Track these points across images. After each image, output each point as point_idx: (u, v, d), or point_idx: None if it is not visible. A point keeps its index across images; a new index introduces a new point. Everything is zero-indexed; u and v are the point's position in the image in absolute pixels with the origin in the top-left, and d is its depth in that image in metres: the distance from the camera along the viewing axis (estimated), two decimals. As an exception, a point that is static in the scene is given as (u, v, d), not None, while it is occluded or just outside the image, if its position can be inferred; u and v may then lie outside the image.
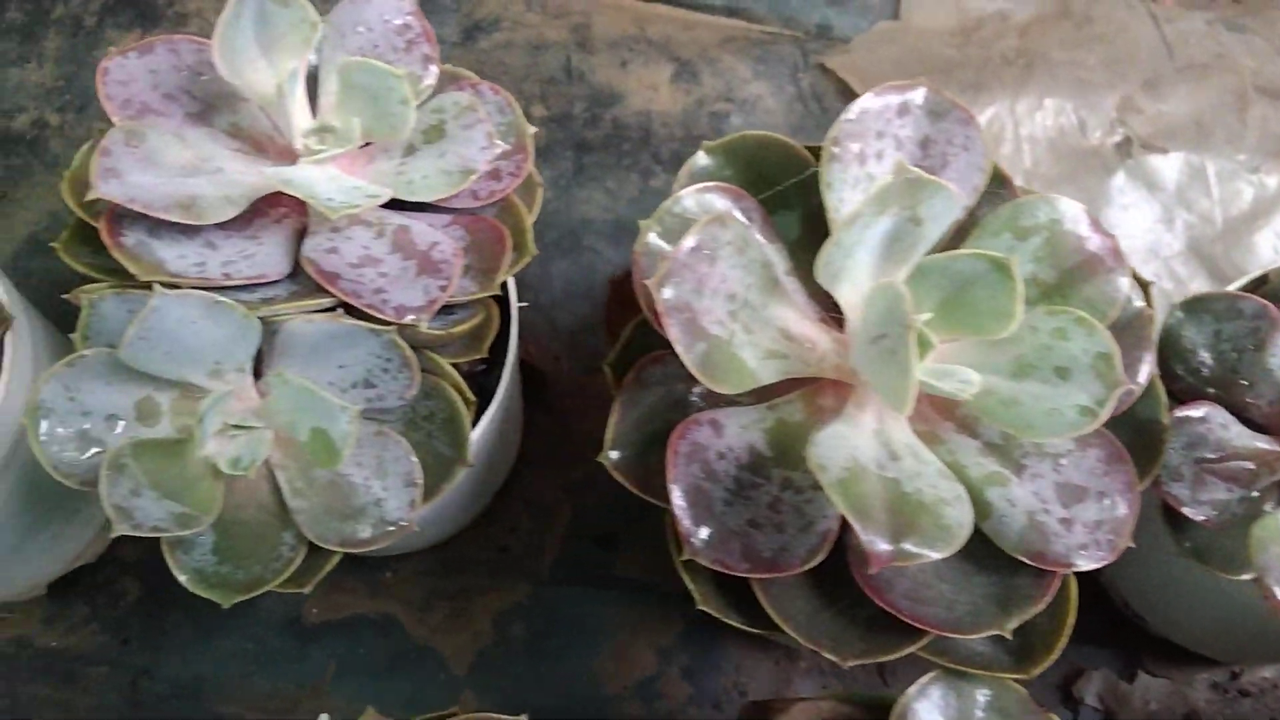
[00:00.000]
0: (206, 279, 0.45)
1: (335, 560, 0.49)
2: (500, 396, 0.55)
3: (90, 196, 0.44)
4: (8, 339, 0.55)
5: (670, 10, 0.82)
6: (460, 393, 0.51)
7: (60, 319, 0.61)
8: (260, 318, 0.45)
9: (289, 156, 0.53)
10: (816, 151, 0.54)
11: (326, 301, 0.47)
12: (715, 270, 0.44)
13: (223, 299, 0.43)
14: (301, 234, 0.51)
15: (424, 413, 0.51)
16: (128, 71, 0.51)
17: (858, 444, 0.44)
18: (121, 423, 0.48)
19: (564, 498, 0.71)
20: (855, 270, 0.46)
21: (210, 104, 0.53)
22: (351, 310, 0.47)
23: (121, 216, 0.47)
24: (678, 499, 0.45)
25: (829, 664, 0.67)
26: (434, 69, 0.54)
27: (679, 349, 0.43)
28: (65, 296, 0.50)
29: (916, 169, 0.42)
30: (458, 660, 0.67)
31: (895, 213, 0.44)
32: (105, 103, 0.50)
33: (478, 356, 0.53)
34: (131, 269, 0.45)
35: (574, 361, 0.73)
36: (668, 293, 0.43)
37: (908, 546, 0.41)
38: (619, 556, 0.69)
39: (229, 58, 0.47)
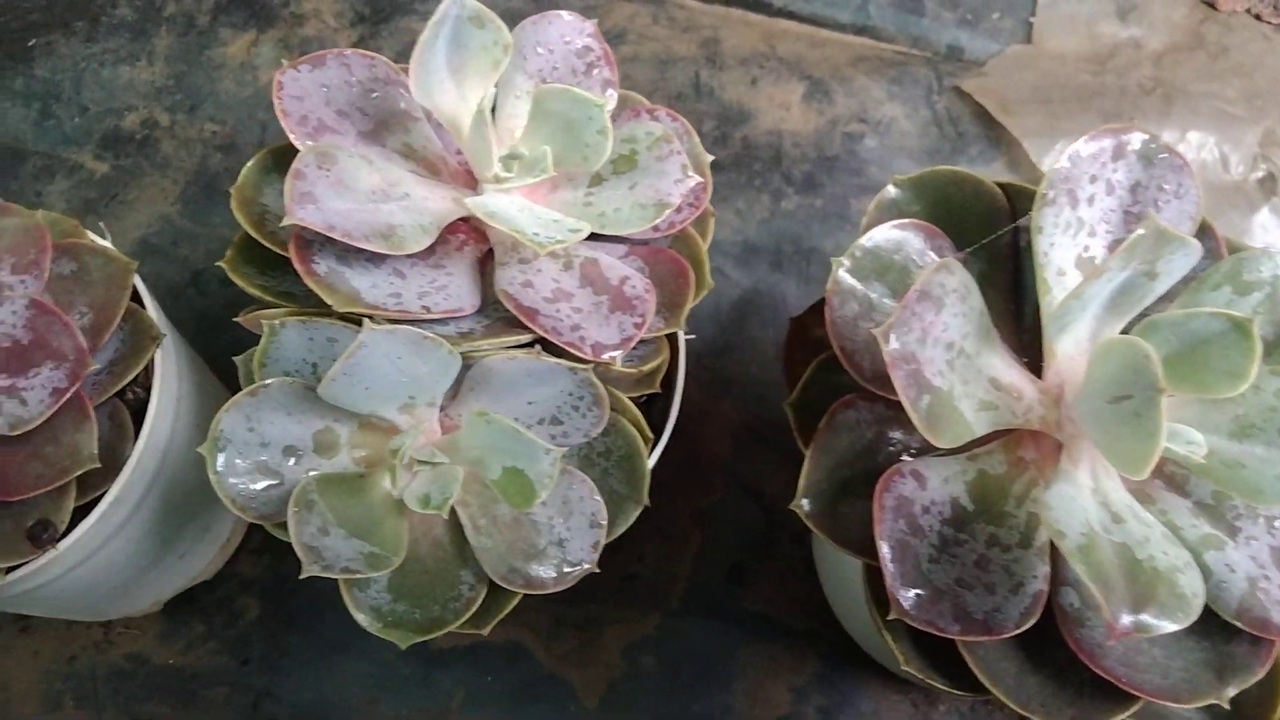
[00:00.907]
0: (406, 312, 0.43)
1: (515, 601, 0.47)
2: (669, 431, 0.53)
3: (287, 222, 0.43)
4: (157, 355, 0.54)
5: (798, 27, 0.80)
6: (639, 429, 0.49)
7: (178, 326, 0.60)
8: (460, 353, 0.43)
9: (465, 181, 0.51)
10: (1005, 188, 0.52)
11: (525, 337, 0.45)
12: (939, 319, 0.43)
13: (430, 335, 0.42)
14: (481, 262, 0.50)
15: (600, 449, 0.49)
16: (301, 86, 0.49)
17: (1083, 505, 0.43)
18: (300, 455, 0.46)
19: (692, 526, 0.69)
20: (1078, 322, 0.44)
21: (382, 122, 0.51)
22: (546, 346, 0.45)
23: (310, 241, 0.45)
24: (886, 556, 0.44)
25: (968, 706, 0.66)
26: (613, 94, 0.52)
27: (905, 402, 0.41)
28: (238, 320, 0.49)
29: (1165, 223, 0.40)
30: (588, 691, 0.65)
31: (1134, 266, 0.42)
32: (282, 118, 0.48)
33: (651, 390, 0.52)
34: (327, 299, 0.43)
35: (700, 386, 0.72)
36: (894, 343, 0.41)
37: (1147, 618, 0.39)
38: (749, 589, 0.67)
39: (423, 79, 0.46)
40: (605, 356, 0.45)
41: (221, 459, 0.44)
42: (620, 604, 0.67)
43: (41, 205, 0.77)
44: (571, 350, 0.45)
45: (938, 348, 0.43)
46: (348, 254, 0.45)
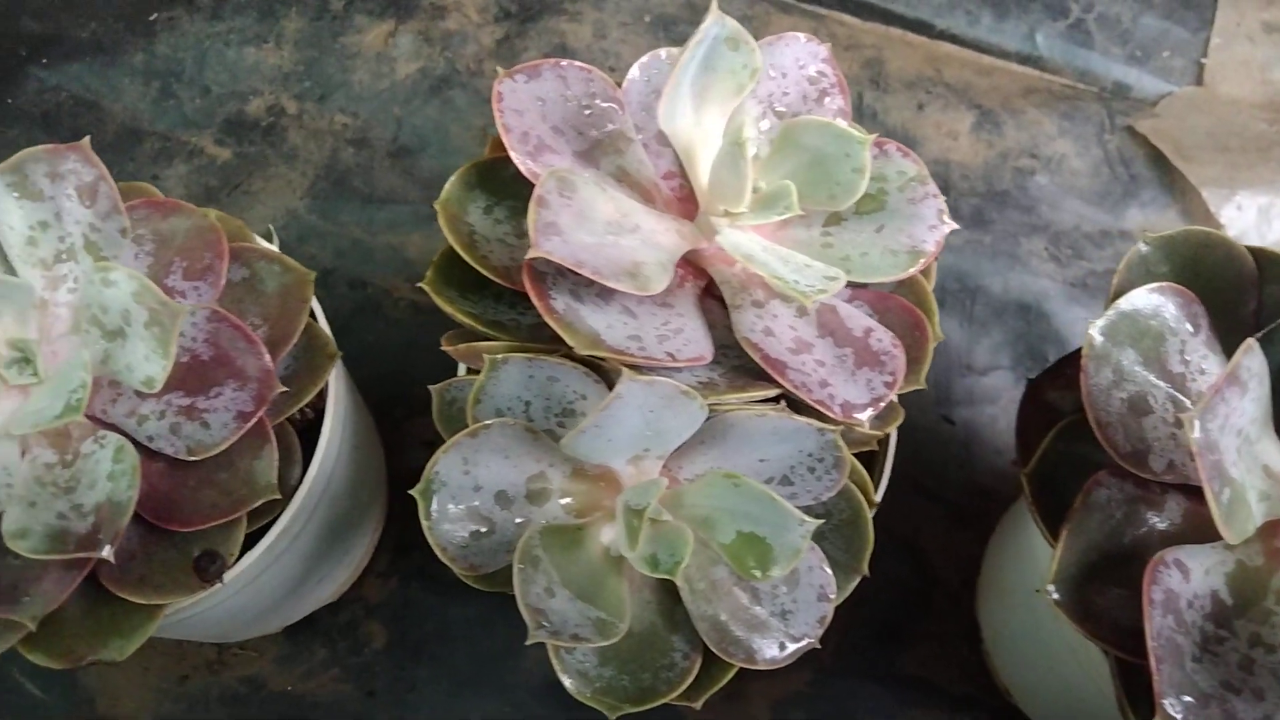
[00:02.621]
0: (650, 359, 0.40)
1: (730, 675, 0.44)
2: (884, 488, 0.49)
3: (533, 255, 0.39)
4: (331, 376, 0.50)
5: (963, 52, 0.76)
6: (865, 493, 0.45)
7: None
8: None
9: (680, 211, 0.47)
10: (1254, 254, 0.49)
11: (770, 391, 0.41)
12: (1241, 405, 0.39)
13: (687, 389, 0.38)
14: (700, 299, 0.46)
15: (819, 510, 0.45)
16: (519, 99, 0.45)
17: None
18: (511, 502, 0.42)
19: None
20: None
21: (596, 142, 0.47)
22: (789, 402, 0.42)
23: (544, 274, 0.41)
24: (1156, 657, 0.40)
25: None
26: (844, 125, 0.48)
27: (1209, 495, 0.38)
28: (447, 349, 0.45)
29: None
30: (731, 748, 0.61)
31: None
32: (504, 133, 0.44)
33: (869, 449, 0.48)
34: (568, 339, 0.39)
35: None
36: (1199, 431, 0.37)
37: None
38: (904, 650, 0.64)
39: (673, 104, 0.42)
40: (855, 417, 0.41)
41: (437, 501, 0.41)
42: (767, 656, 0.63)
43: (160, 190, 0.73)
44: (820, 409, 0.41)
45: (1231, 435, 0.40)
46: (579, 288, 0.42)
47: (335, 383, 0.51)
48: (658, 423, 0.39)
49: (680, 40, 0.75)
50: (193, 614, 0.49)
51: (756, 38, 0.43)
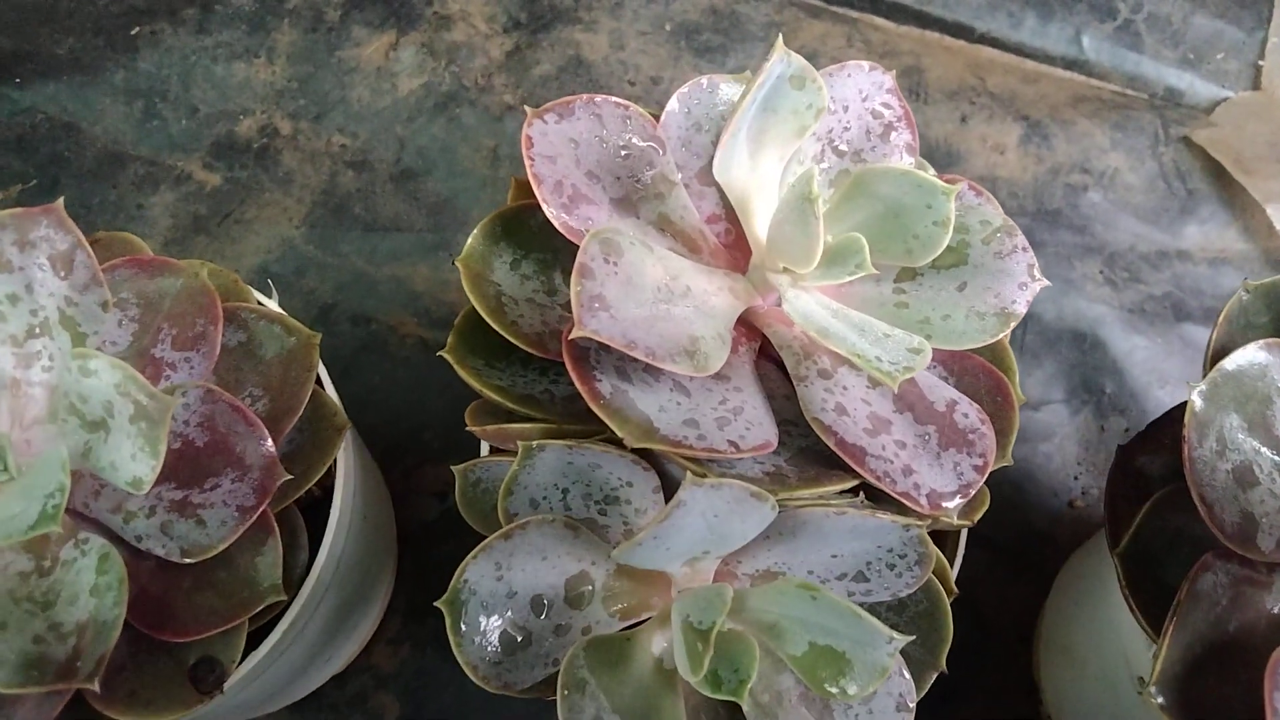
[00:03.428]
0: (712, 450, 0.35)
1: (796, 794, 0.39)
2: (959, 568, 0.45)
3: (578, 334, 0.34)
4: (340, 449, 0.45)
5: (1005, 57, 0.71)
6: (944, 583, 0.40)
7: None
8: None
9: (728, 262, 0.42)
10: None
11: (849, 484, 0.36)
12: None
13: (758, 490, 0.33)
14: (757, 365, 0.41)
15: (892, 604, 0.41)
16: (551, 143, 0.40)
17: None
18: (549, 607, 0.37)
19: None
20: None
21: (635, 187, 0.42)
22: (867, 490, 0.37)
23: (586, 350, 0.36)
24: (1286, 774, 0.35)
25: None
26: (911, 162, 0.43)
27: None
28: (473, 430, 0.40)
29: None
30: (776, 826, 0.57)
31: None
32: (536, 185, 0.39)
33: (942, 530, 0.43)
34: (618, 430, 0.34)
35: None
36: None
37: None
38: (959, 708, 0.59)
39: (729, 153, 0.37)
40: (944, 507, 0.36)
41: (466, 614, 0.36)
42: None
43: (143, 219, 0.68)
44: (904, 502, 0.36)
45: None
46: (625, 363, 0.37)
47: (344, 455, 0.45)
48: (722, 528, 0.34)
49: (705, 51, 0.70)
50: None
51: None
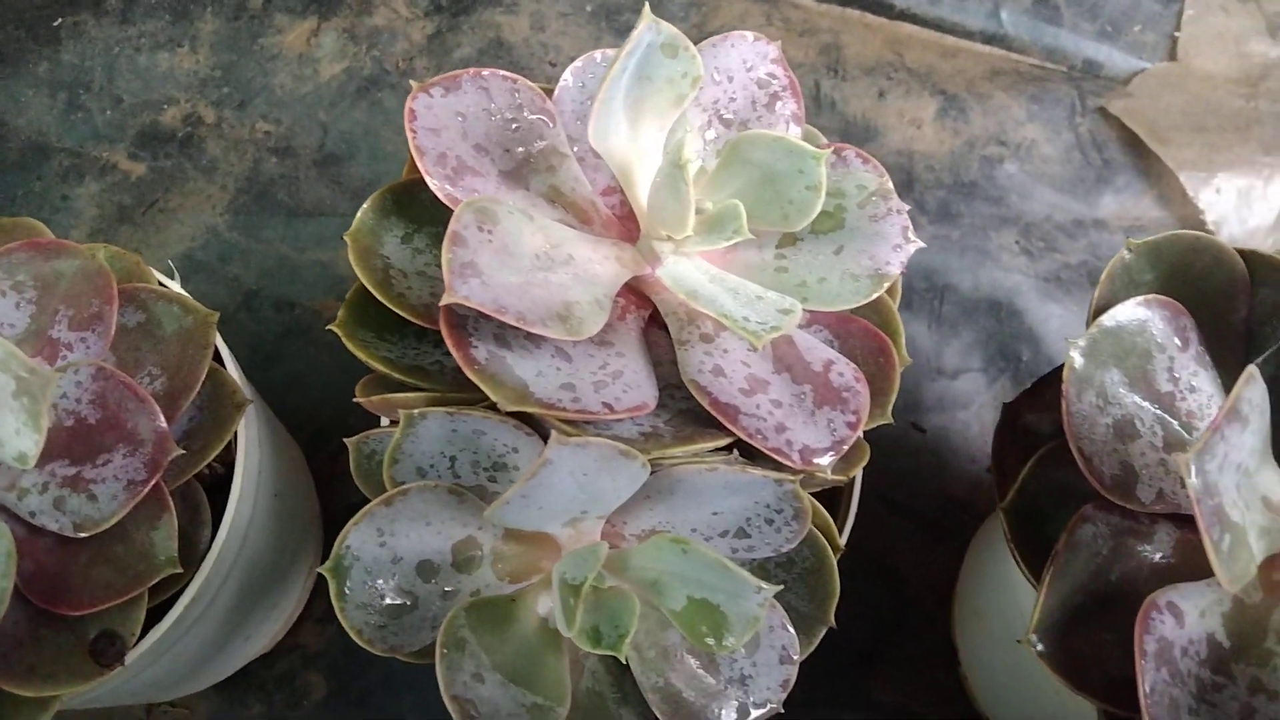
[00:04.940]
0: (586, 412, 0.35)
1: (685, 748, 0.40)
2: (850, 529, 0.46)
3: (448, 300, 0.34)
4: (240, 426, 0.45)
5: (925, 33, 0.72)
6: (830, 539, 0.41)
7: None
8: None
9: (620, 233, 0.43)
10: (1245, 256, 0.45)
11: (721, 441, 0.37)
12: (1241, 439, 0.35)
13: (625, 448, 0.34)
14: (644, 332, 0.41)
15: (780, 559, 0.42)
16: (436, 116, 0.41)
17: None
18: (436, 572, 0.38)
19: (812, 602, 0.61)
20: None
21: (525, 160, 0.42)
22: (743, 448, 0.38)
23: (464, 318, 0.37)
24: (1151, 716, 0.36)
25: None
26: (798, 132, 0.44)
27: (1209, 544, 0.34)
28: (359, 400, 0.40)
29: None
30: (699, 792, 0.57)
31: None
32: (418, 156, 0.40)
33: (834, 485, 0.44)
34: (493, 395, 0.35)
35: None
36: (1196, 476, 0.33)
37: None
38: (879, 676, 0.60)
39: (604, 121, 0.37)
40: (816, 463, 0.37)
41: (350, 580, 0.36)
42: (735, 690, 0.60)
43: (68, 210, 0.68)
44: (776, 457, 0.37)
45: (1229, 472, 0.36)
46: (505, 330, 0.37)
47: (246, 431, 0.46)
48: (593, 486, 0.35)
49: (626, 31, 0.70)
50: (99, 693, 0.44)
51: (705, 25, 0.39)
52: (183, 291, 0.46)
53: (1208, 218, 0.67)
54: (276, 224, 0.67)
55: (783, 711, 0.40)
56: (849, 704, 0.59)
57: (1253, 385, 0.35)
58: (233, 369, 0.46)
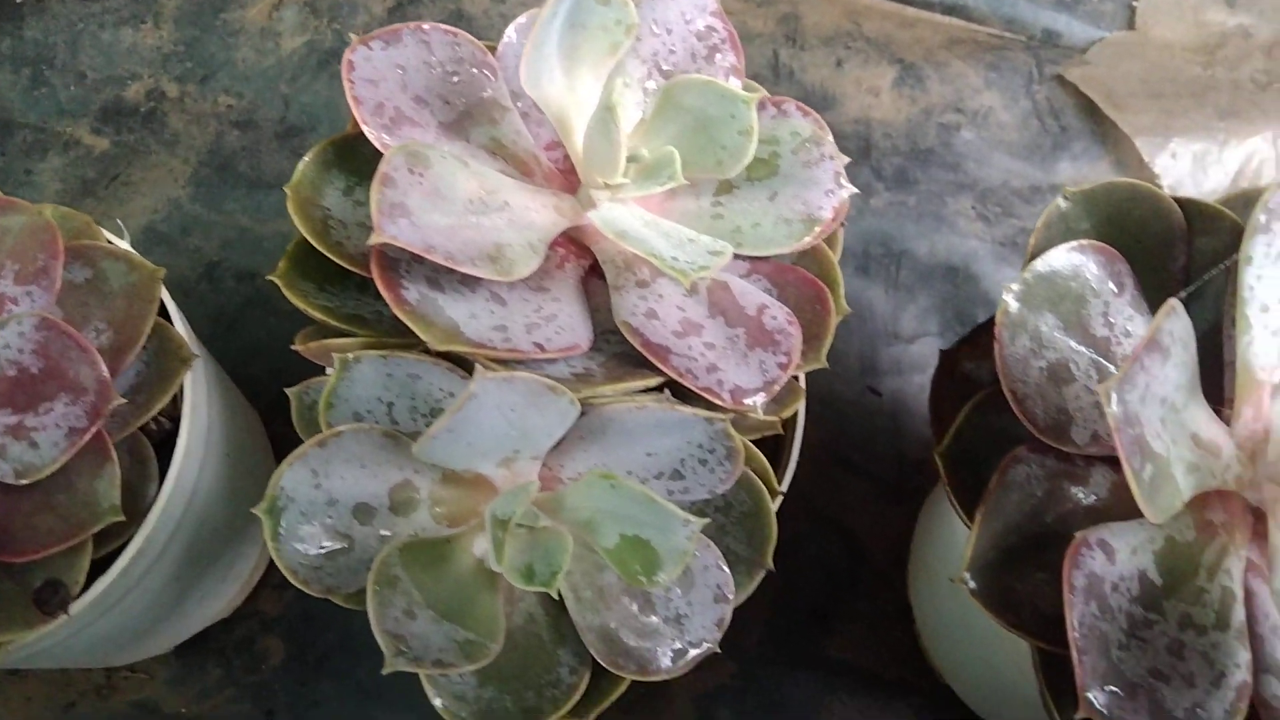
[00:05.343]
0: (516, 351, 0.36)
1: (622, 688, 0.40)
2: (790, 479, 0.46)
3: (376, 240, 0.35)
4: (186, 380, 0.46)
5: (884, 4, 0.72)
6: (766, 482, 0.42)
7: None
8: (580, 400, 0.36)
9: (562, 184, 0.43)
10: (1182, 205, 0.46)
11: (652, 380, 0.37)
12: (1163, 372, 0.36)
13: (551, 383, 0.34)
14: (584, 281, 0.42)
15: (718, 503, 0.42)
16: (374, 67, 0.41)
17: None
18: (373, 515, 0.38)
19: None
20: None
21: (466, 112, 0.43)
22: (674, 388, 0.38)
23: (396, 260, 0.37)
24: (1078, 647, 0.37)
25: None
26: (737, 84, 0.44)
27: (1129, 473, 0.34)
28: (297, 348, 0.41)
29: None
30: (656, 750, 0.58)
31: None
32: (355, 106, 0.40)
33: (772, 433, 0.44)
34: (422, 334, 0.35)
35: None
36: (1117, 405, 0.34)
37: None
38: (834, 634, 0.61)
39: (535, 65, 0.38)
40: (746, 403, 0.38)
41: (285, 521, 0.37)
42: (692, 651, 0.60)
43: (32, 185, 0.68)
44: (707, 396, 0.37)
45: (1154, 404, 0.36)
46: (439, 275, 0.38)
47: (194, 388, 0.46)
48: (522, 422, 0.35)
49: (584, 2, 0.71)
50: (51, 645, 0.44)
51: None
52: (130, 249, 0.47)
53: (1164, 182, 0.67)
54: (238, 196, 0.68)
55: (719, 651, 0.40)
56: (805, 663, 0.60)
57: (1173, 318, 0.35)
58: (180, 326, 0.47)
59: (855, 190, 0.41)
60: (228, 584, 0.56)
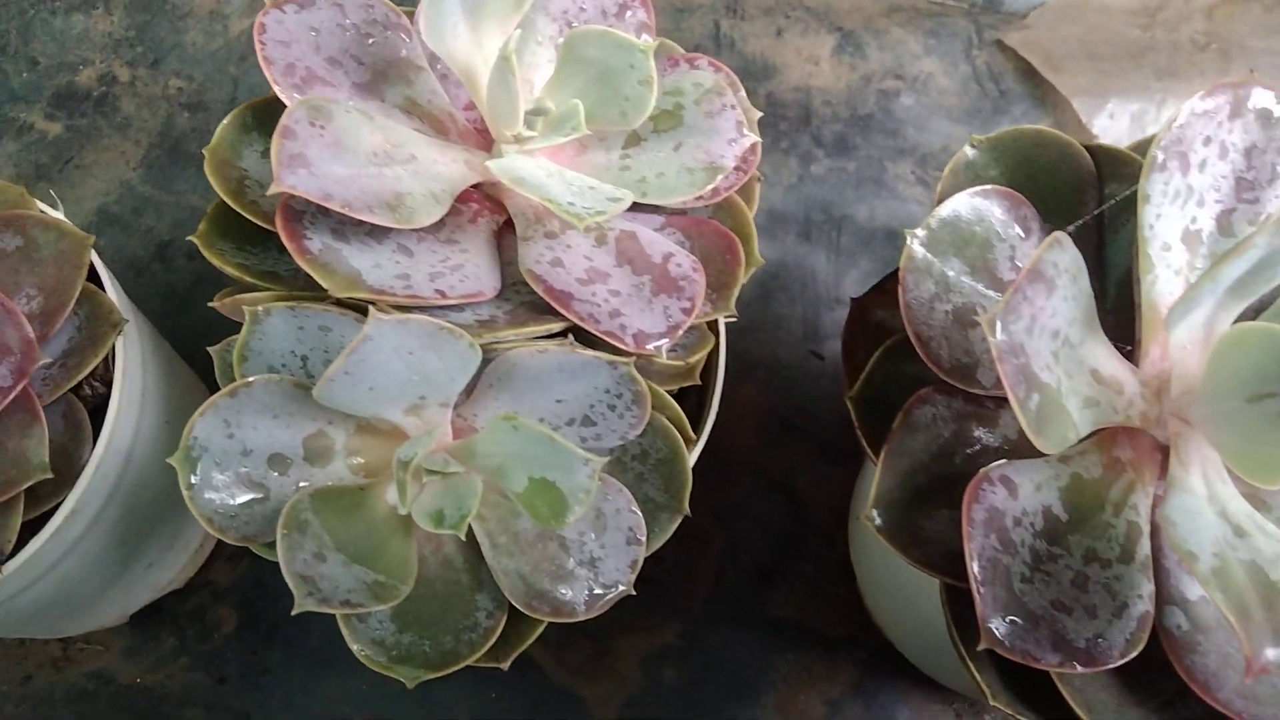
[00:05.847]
0: (417, 297, 0.37)
1: (539, 631, 0.41)
2: (710, 426, 0.47)
3: (274, 190, 0.36)
4: (118, 345, 0.47)
5: (824, -26, 0.73)
6: (680, 429, 0.43)
7: (141, 305, 0.53)
8: (482, 345, 0.36)
9: (478, 142, 0.44)
10: (1091, 151, 0.46)
11: (555, 326, 0.38)
12: (1049, 304, 0.36)
13: (447, 325, 0.35)
14: (498, 236, 0.43)
15: (635, 450, 0.43)
16: (287, 30, 0.42)
17: (1209, 520, 0.37)
18: (288, 465, 0.39)
19: (715, 525, 0.63)
20: (1199, 308, 0.38)
21: (380, 73, 0.44)
22: (580, 335, 0.39)
23: (300, 213, 0.38)
24: (977, 579, 0.38)
25: (1012, 715, 0.60)
26: (649, 40, 0.45)
27: (1014, 402, 0.35)
28: (213, 305, 0.42)
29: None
30: (602, 707, 0.59)
31: (1265, 245, 0.36)
32: (265, 66, 0.41)
33: (690, 383, 0.45)
34: (323, 282, 0.36)
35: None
36: (1003, 333, 0.35)
37: (1292, 654, 0.33)
38: (779, 593, 0.61)
39: (435, 21, 0.38)
40: (649, 347, 0.38)
41: (199, 469, 0.38)
42: (637, 610, 0.61)
43: (-14, 170, 0.69)
44: (610, 340, 0.38)
45: (1044, 337, 0.37)
46: (345, 227, 0.38)
47: (127, 352, 0.47)
48: (421, 365, 0.36)
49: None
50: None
51: None
52: (62, 218, 0.48)
53: (1102, 142, 0.68)
54: (189, 176, 0.69)
55: (634, 593, 0.41)
56: (748, 621, 0.60)
57: (1057, 249, 0.36)
58: (113, 292, 0.48)
59: (756, 139, 0.42)
60: (176, 552, 0.57)
